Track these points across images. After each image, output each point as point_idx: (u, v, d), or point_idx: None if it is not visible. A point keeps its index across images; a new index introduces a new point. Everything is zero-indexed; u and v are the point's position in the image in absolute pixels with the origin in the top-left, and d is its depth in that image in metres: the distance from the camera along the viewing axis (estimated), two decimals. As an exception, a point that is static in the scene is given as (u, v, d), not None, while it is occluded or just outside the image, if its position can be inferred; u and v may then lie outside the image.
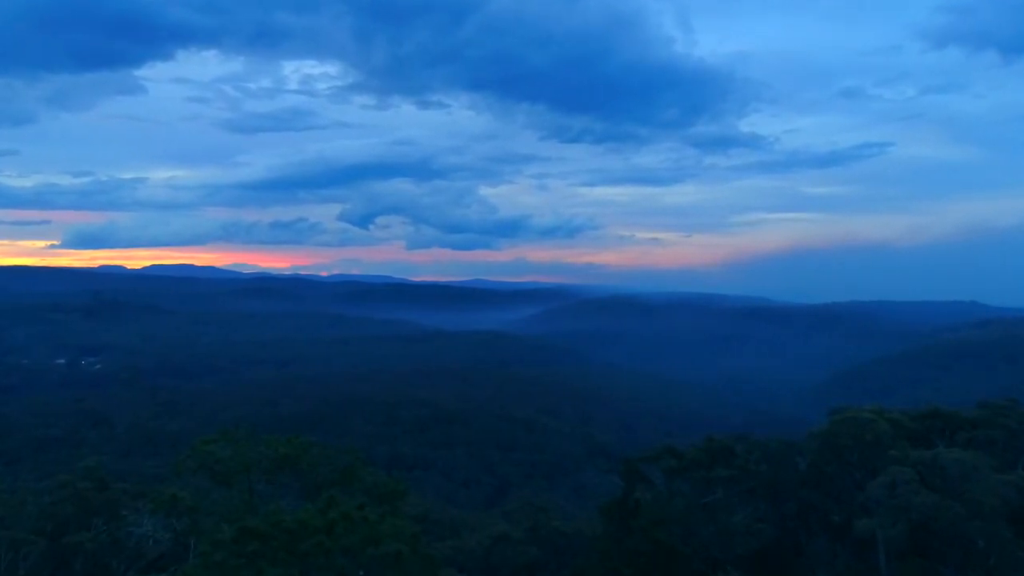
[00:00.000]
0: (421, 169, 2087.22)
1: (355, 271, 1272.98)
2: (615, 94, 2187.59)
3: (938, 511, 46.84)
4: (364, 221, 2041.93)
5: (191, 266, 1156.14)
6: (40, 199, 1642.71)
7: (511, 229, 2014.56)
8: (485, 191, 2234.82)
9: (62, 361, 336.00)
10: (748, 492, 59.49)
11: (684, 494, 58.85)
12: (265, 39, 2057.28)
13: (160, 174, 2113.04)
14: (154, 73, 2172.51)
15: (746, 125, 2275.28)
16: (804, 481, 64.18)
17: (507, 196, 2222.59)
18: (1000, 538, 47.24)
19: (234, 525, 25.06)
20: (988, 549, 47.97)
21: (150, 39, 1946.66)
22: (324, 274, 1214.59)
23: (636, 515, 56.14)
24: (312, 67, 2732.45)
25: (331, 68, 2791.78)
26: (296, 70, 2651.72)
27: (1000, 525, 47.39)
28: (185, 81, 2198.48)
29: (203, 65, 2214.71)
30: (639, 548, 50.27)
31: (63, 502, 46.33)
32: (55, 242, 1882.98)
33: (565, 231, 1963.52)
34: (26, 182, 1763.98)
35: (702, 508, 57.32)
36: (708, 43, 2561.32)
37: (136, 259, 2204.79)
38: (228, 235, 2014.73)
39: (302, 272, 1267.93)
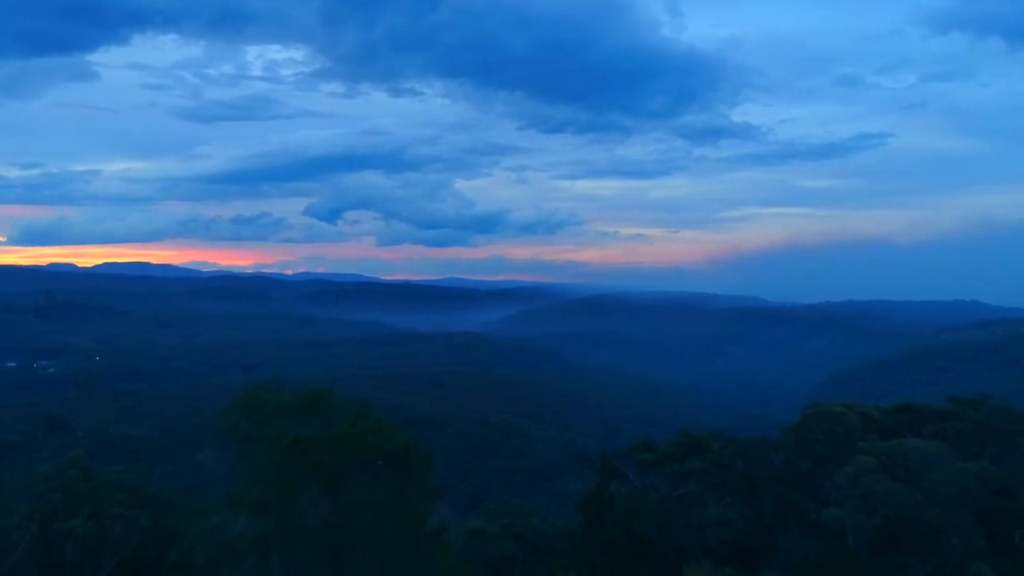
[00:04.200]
0: (393, 161, 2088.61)
1: (322, 269, 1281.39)
2: (599, 82, 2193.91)
3: (898, 499, 51.65)
4: (332, 216, 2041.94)
5: (147, 264, 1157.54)
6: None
7: (488, 225, 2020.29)
8: (461, 184, 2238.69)
9: (13, 364, 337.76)
10: (721, 485, 64.17)
11: (657, 488, 63.54)
12: (227, 22, 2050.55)
13: (114, 166, 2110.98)
14: (108, 58, 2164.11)
15: (738, 115, 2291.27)
16: (779, 478, 69.02)
17: (484, 189, 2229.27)
18: (960, 526, 52.05)
19: (287, 438, 35.81)
20: (949, 536, 52.79)
21: (104, 22, 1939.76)
22: (289, 272, 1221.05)
23: (610, 508, 60.80)
24: (277, 52, 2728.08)
25: (297, 53, 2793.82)
26: (260, 55, 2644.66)
27: (960, 513, 52.18)
28: (141, 67, 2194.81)
29: (160, 50, 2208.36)
30: (611, 538, 54.86)
31: (51, 492, 50.68)
32: (1, 239, 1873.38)
33: (546, 227, 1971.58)
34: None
35: (675, 501, 62.00)
36: (698, 28, 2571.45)
37: (88, 256, 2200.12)
38: (186, 231, 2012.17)
39: (265, 270, 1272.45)
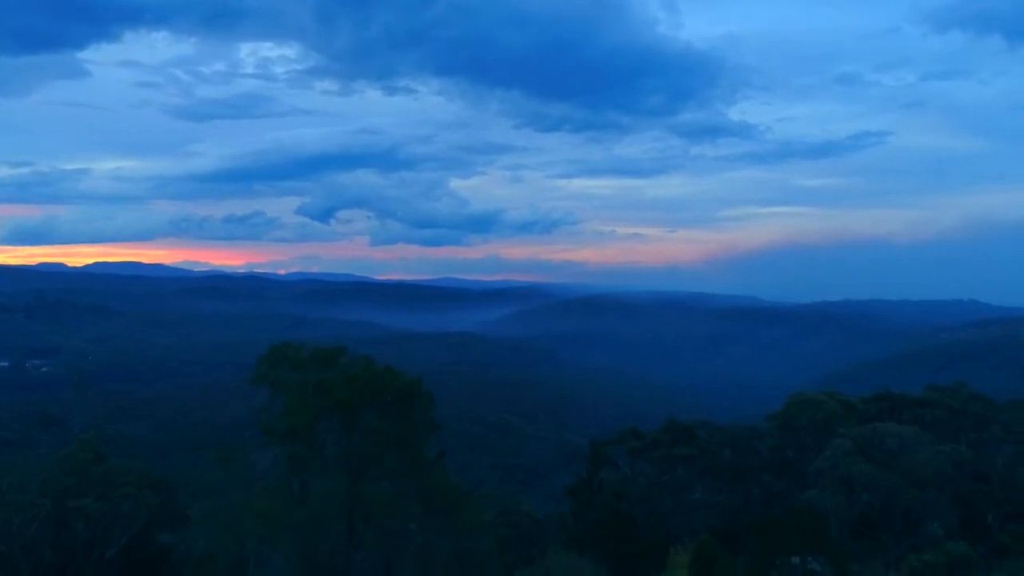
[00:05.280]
0: (387, 159, 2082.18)
1: (315, 269, 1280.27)
2: (596, 80, 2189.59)
3: (875, 480, 54.72)
4: (325, 215, 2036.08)
5: (138, 263, 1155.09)
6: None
7: (483, 224, 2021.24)
8: (456, 183, 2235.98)
9: (6, 364, 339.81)
10: (708, 471, 67.25)
11: (646, 473, 66.64)
12: (219, 19, 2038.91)
13: (105, 165, 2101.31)
14: (99, 56, 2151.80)
15: (736, 113, 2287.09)
16: (765, 465, 72.16)
17: (479, 188, 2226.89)
18: (934, 505, 55.12)
19: (312, 380, 44.18)
20: (925, 516, 55.85)
21: (95, 19, 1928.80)
22: (282, 272, 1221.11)
23: (600, 493, 63.90)
24: (270, 49, 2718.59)
25: (290, 51, 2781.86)
26: (252, 53, 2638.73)
27: (934, 494, 55.25)
28: (133, 65, 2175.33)
29: (152, 47, 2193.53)
30: (600, 519, 57.93)
31: (65, 473, 53.74)
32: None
33: (541, 226, 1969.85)
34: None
35: (663, 486, 65.09)
36: (695, 25, 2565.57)
37: (78, 256, 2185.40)
38: (178, 230, 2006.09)
39: (258, 270, 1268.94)
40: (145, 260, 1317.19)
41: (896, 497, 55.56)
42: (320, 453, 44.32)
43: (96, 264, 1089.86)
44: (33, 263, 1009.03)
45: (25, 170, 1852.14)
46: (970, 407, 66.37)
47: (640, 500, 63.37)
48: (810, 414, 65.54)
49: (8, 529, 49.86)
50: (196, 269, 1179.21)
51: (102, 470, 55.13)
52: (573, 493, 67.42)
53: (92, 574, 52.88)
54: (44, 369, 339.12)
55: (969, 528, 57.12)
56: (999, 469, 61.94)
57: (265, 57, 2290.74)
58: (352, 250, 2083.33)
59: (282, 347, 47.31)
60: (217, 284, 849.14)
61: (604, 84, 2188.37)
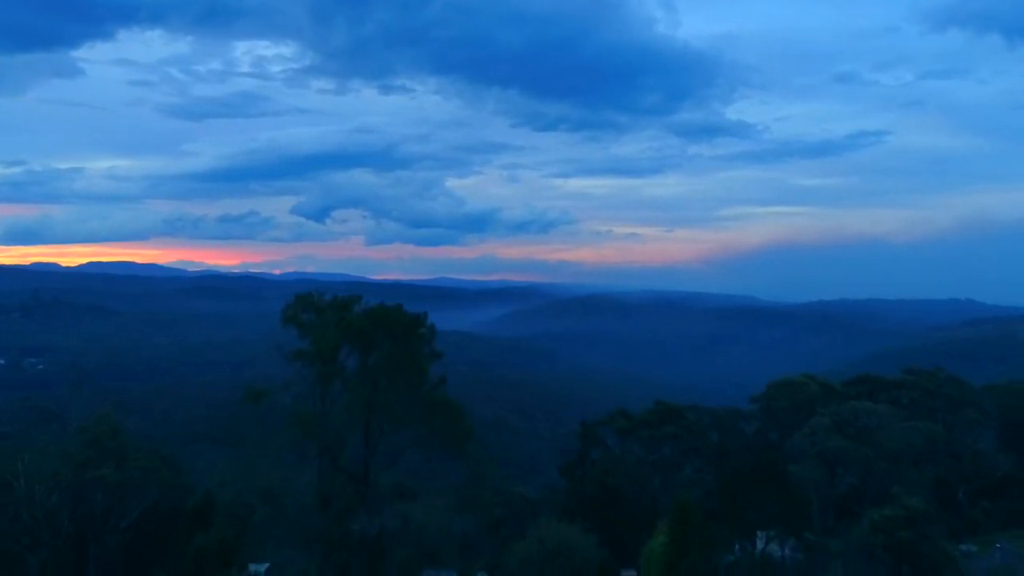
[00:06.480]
0: (383, 159, 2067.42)
1: (310, 268, 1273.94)
2: (593, 79, 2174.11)
3: (847, 453, 58.42)
4: (320, 215, 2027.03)
5: (132, 263, 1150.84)
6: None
7: (479, 223, 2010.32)
8: (452, 183, 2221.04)
9: (3, 362, 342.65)
10: (694, 451, 70.90)
11: (635, 452, 70.29)
12: (215, 18, 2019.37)
13: (100, 164, 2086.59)
14: (93, 54, 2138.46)
15: (733, 112, 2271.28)
16: (749, 446, 75.73)
17: (475, 188, 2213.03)
18: (903, 476, 58.75)
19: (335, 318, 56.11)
20: (892, 484, 59.46)
21: (89, 17, 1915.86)
22: (277, 272, 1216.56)
23: (591, 469, 67.49)
24: (266, 48, 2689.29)
25: (286, 49, 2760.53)
26: (248, 51, 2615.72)
27: (904, 466, 58.95)
28: (127, 63, 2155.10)
29: (147, 46, 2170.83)
30: (590, 492, 61.49)
31: (84, 446, 57.21)
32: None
33: (538, 226, 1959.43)
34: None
35: (651, 464, 68.68)
36: (693, 24, 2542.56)
37: (72, 255, 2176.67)
38: (173, 230, 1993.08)
39: (253, 270, 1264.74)
40: (140, 260, 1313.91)
41: (871, 472, 59.16)
42: (342, 374, 55.86)
43: (90, 264, 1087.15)
44: (27, 263, 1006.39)
45: (19, 169, 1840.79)
46: (945, 389, 69.95)
47: (628, 476, 66.79)
48: (791, 396, 69.05)
49: (31, 498, 53.18)
50: (191, 269, 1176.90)
51: (117, 443, 58.62)
52: (565, 472, 70.97)
53: (108, 542, 56.38)
54: (40, 367, 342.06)
55: (943, 504, 60.60)
56: (970, 447, 65.49)
57: (261, 56, 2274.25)
58: (348, 250, 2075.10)
59: (305, 295, 59.91)
60: (212, 284, 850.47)
61: (601, 83, 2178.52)
